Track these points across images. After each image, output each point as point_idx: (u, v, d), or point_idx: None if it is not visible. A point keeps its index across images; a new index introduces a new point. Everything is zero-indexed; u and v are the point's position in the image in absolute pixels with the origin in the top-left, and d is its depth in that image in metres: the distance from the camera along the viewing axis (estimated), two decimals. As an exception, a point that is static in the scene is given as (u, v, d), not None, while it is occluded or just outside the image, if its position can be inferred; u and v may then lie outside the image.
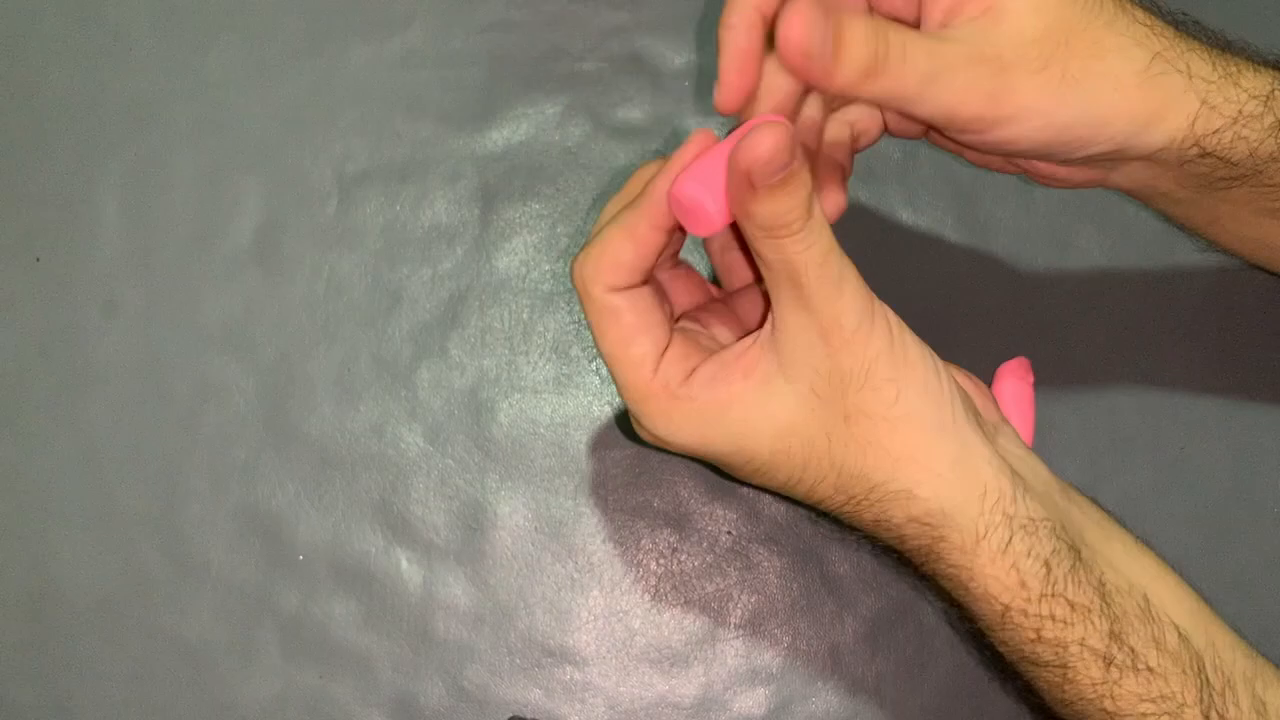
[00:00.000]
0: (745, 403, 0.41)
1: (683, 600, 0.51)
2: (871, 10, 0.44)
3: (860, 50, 0.39)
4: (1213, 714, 0.40)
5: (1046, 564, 0.40)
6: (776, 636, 0.51)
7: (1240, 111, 0.42)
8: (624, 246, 0.42)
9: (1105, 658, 0.40)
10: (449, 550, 0.52)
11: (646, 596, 0.51)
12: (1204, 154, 0.42)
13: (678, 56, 0.56)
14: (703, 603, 0.51)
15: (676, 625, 0.51)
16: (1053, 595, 0.40)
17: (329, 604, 0.51)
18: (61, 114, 0.55)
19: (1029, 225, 0.54)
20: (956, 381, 0.42)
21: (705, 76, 0.56)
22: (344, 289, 0.54)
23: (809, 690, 0.51)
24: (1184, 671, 0.41)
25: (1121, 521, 0.43)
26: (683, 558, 0.52)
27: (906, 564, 0.43)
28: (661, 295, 0.44)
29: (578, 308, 0.54)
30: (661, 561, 0.52)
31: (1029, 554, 0.40)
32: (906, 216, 0.54)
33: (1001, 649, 0.42)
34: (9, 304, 0.54)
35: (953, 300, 0.54)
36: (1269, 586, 0.52)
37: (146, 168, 0.55)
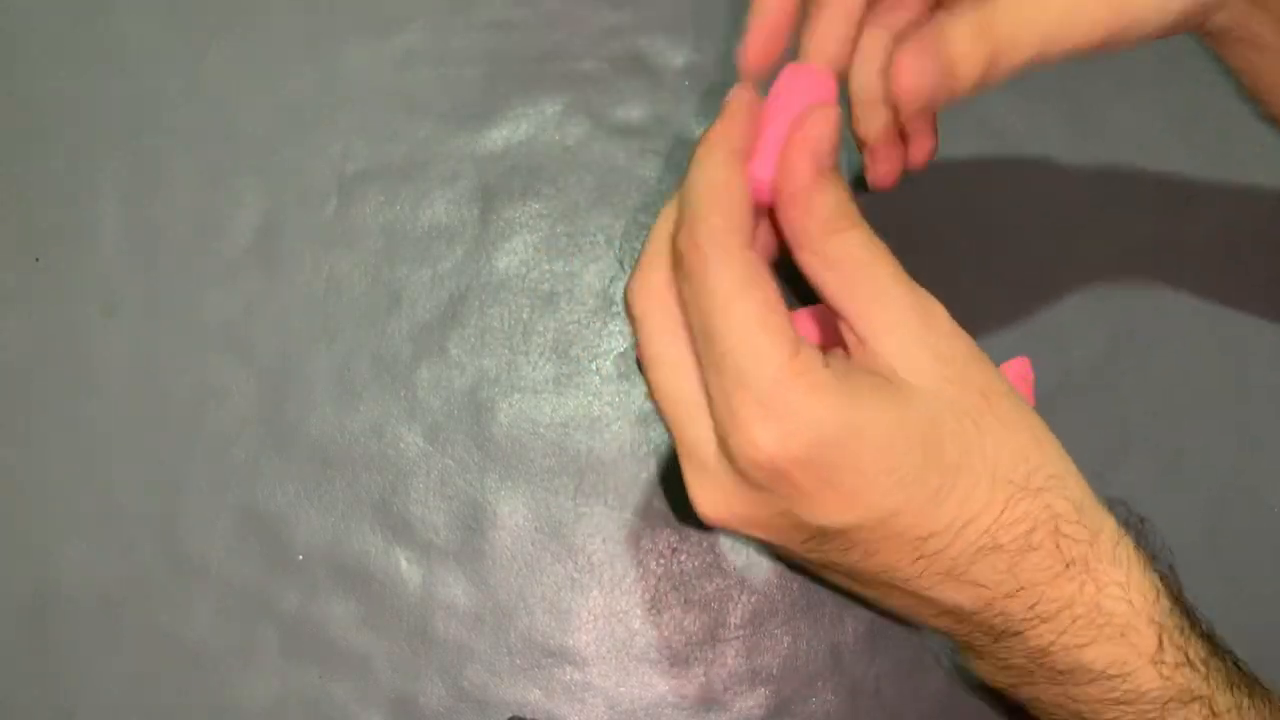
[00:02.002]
0: (884, 389, 0.35)
1: (683, 600, 0.51)
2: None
3: (976, 59, 0.38)
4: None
5: (1155, 570, 0.38)
6: (776, 636, 0.51)
7: None
8: (737, 194, 0.36)
9: (1229, 680, 0.38)
10: (449, 550, 0.52)
11: (646, 596, 0.51)
12: None
13: (678, 56, 0.56)
14: (703, 603, 0.51)
15: (676, 625, 0.51)
16: (1176, 607, 0.38)
17: (329, 604, 0.51)
18: (61, 114, 0.55)
19: (1029, 225, 0.54)
20: None
21: (705, 76, 0.56)
22: (344, 289, 0.54)
23: (809, 690, 0.51)
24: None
25: None
26: (683, 558, 0.52)
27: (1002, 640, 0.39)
28: None
29: (578, 307, 0.54)
30: (661, 561, 0.52)
31: (1146, 564, 0.38)
32: (907, 215, 0.54)
33: (1139, 707, 0.37)
34: (9, 304, 0.54)
35: (952, 300, 0.54)
36: (1269, 586, 0.52)
37: (146, 168, 0.55)
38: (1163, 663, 0.37)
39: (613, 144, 0.55)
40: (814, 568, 0.39)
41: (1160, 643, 0.36)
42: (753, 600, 0.51)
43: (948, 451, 0.35)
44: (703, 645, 0.51)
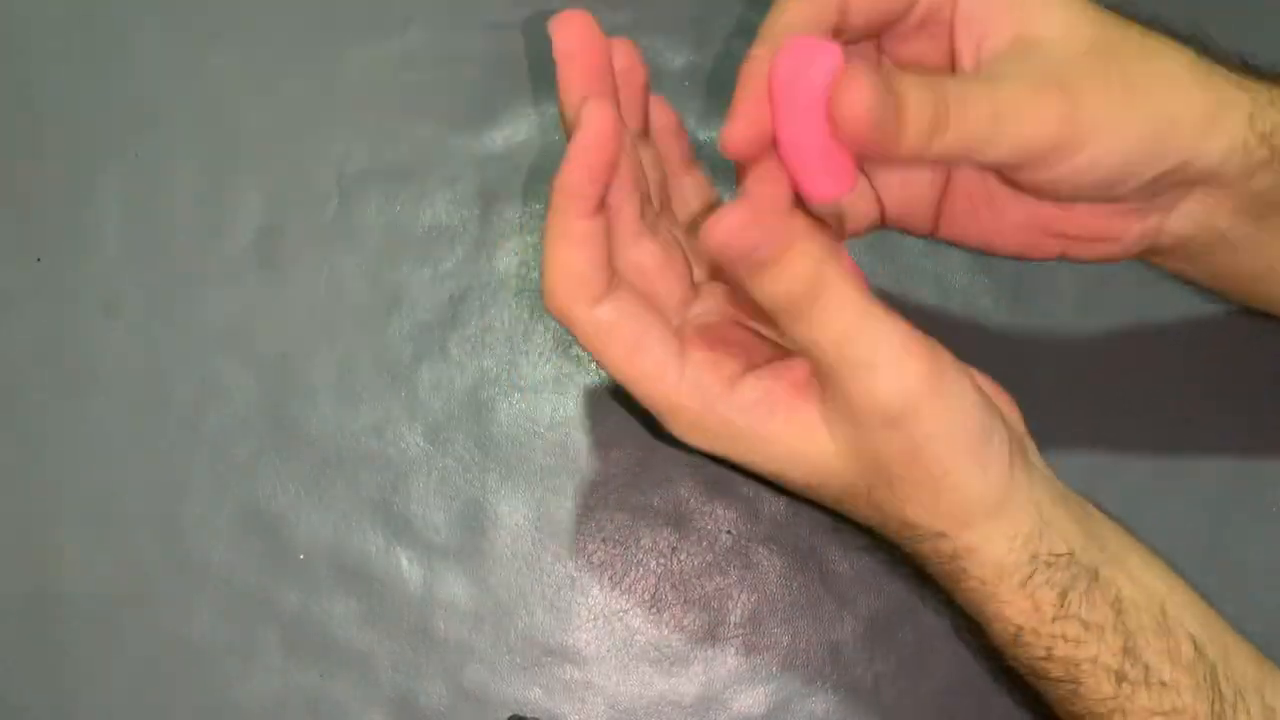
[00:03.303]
0: (786, 444, 0.40)
1: (683, 600, 0.51)
2: (885, 64, 0.43)
3: (923, 110, 0.37)
4: None
5: (1063, 591, 0.40)
6: (776, 636, 0.51)
7: None
8: (570, 254, 0.39)
9: (1118, 674, 0.40)
10: (449, 550, 0.52)
11: (646, 596, 0.51)
12: (1273, 155, 0.40)
13: (678, 57, 0.56)
14: (703, 602, 0.51)
15: (676, 625, 0.51)
16: (1066, 617, 0.40)
17: (329, 603, 0.51)
18: (61, 114, 0.55)
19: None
20: (1001, 417, 0.41)
21: (706, 77, 0.56)
22: (344, 289, 0.54)
23: (809, 690, 0.51)
24: (1197, 684, 0.40)
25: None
26: (683, 557, 0.52)
27: (920, 572, 0.44)
28: (648, 294, 0.42)
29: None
30: (661, 561, 0.52)
31: (1047, 583, 0.40)
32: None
33: (1012, 662, 0.42)
34: (9, 304, 0.54)
35: (950, 299, 0.54)
36: (1269, 586, 0.52)
37: (146, 168, 0.55)
38: (1020, 645, 0.41)
39: (613, 144, 0.55)
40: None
41: (1016, 637, 0.41)
42: (753, 600, 0.51)
43: (830, 489, 0.41)
44: (703, 645, 0.51)
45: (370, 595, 0.51)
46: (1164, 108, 0.40)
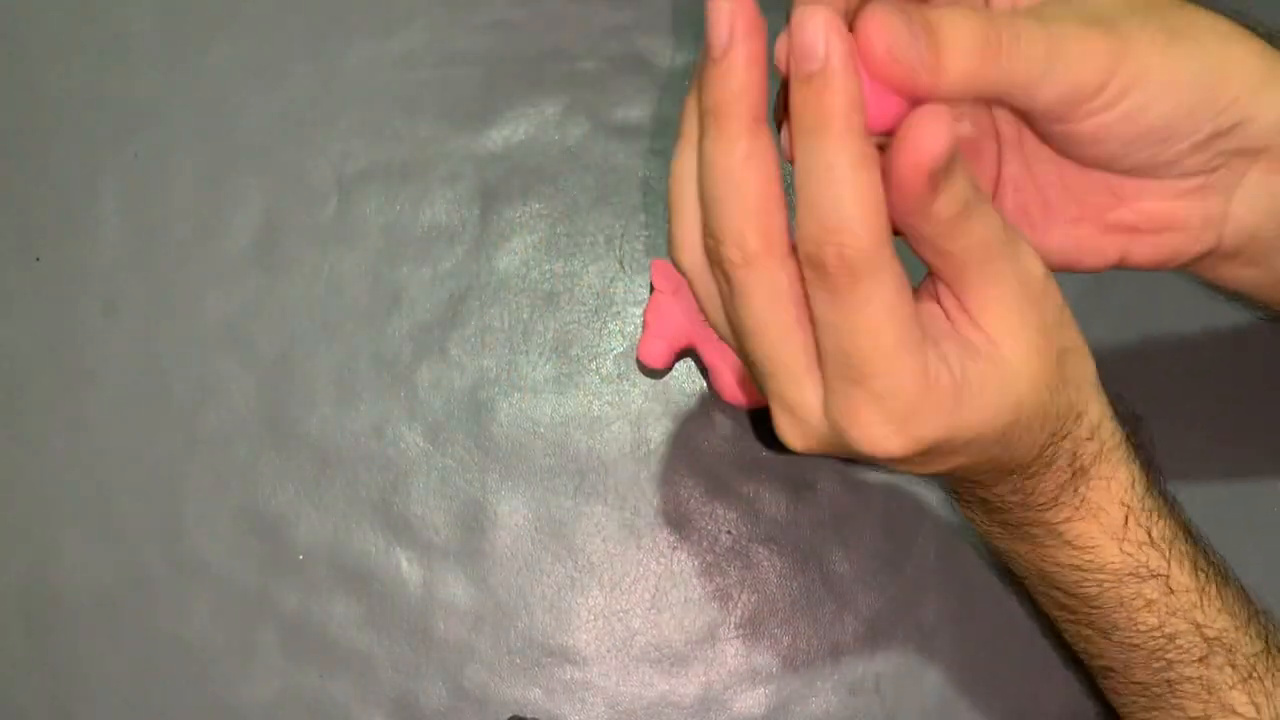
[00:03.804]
0: (998, 378, 0.37)
1: (683, 600, 0.51)
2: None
3: (968, 38, 0.35)
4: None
5: (1142, 465, 0.41)
6: (776, 636, 0.51)
7: None
8: (883, 209, 0.34)
9: (1194, 561, 0.42)
10: (449, 550, 0.52)
11: (646, 596, 0.51)
12: None
13: (678, 56, 0.56)
14: (703, 603, 0.51)
15: (676, 625, 0.51)
16: (1152, 491, 0.41)
17: (329, 604, 0.51)
18: (61, 114, 0.55)
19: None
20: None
21: (705, 76, 0.55)
22: (344, 288, 0.54)
23: (809, 690, 0.51)
24: (1238, 588, 0.43)
25: None
26: (683, 558, 0.52)
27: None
28: None
29: (578, 307, 0.54)
30: (661, 561, 0.52)
31: (1134, 451, 0.41)
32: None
33: (1100, 576, 0.41)
34: (9, 304, 0.54)
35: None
36: (1269, 586, 0.52)
37: (146, 168, 0.55)
38: (1126, 539, 0.41)
39: (613, 144, 0.55)
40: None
41: (1126, 522, 0.41)
42: (753, 600, 0.51)
43: (1025, 419, 0.38)
44: (703, 645, 0.51)
45: (370, 596, 0.51)
46: (1215, 58, 0.38)
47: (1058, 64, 0.37)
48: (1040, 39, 0.36)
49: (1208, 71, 0.38)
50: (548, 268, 0.54)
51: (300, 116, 0.55)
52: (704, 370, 0.52)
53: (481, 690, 0.51)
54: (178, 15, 0.56)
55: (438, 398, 0.53)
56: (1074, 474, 0.40)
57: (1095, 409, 0.40)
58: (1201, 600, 0.41)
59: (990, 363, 0.37)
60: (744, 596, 0.51)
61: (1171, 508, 0.42)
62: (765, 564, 0.51)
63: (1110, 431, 0.41)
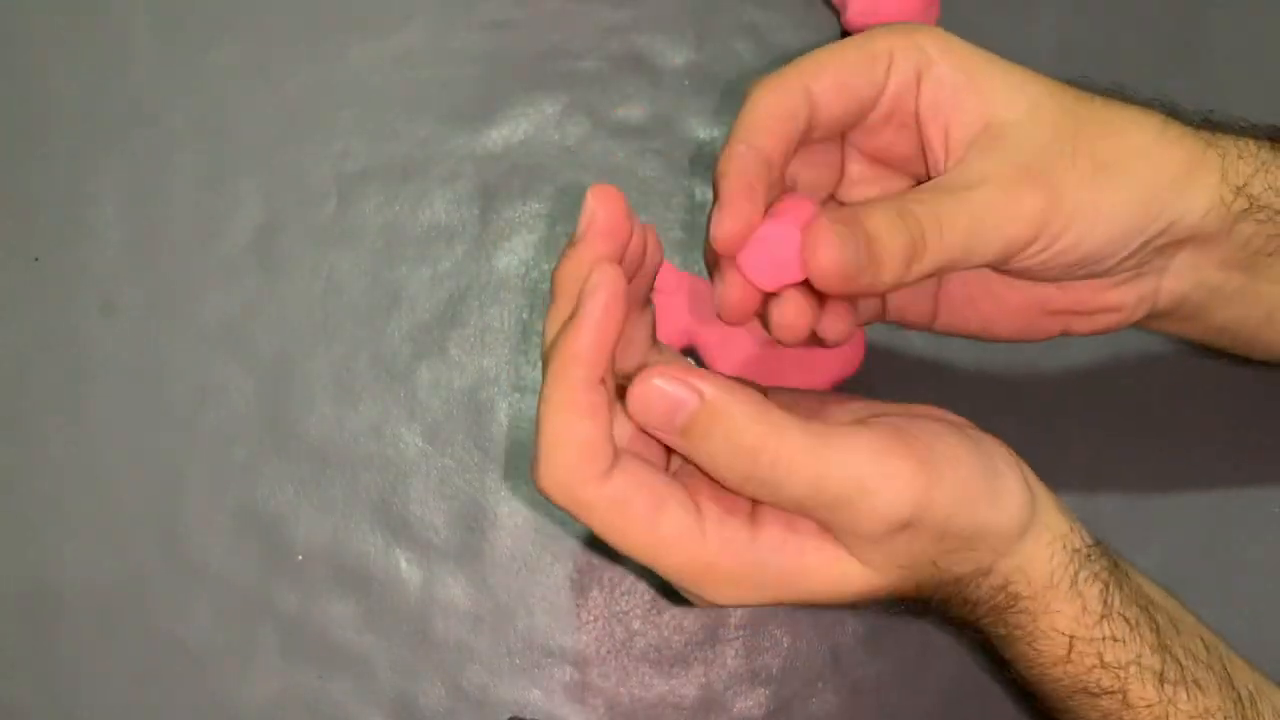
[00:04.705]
0: (824, 574, 0.38)
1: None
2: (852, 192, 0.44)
3: (894, 242, 0.37)
4: None
5: (1105, 585, 0.40)
6: (776, 637, 0.51)
7: (1260, 161, 0.41)
8: (578, 425, 0.36)
9: (1159, 675, 0.40)
10: (448, 550, 0.52)
11: (646, 596, 0.51)
12: (1251, 204, 0.41)
13: (678, 55, 0.56)
14: (703, 603, 0.51)
15: (676, 625, 0.51)
16: (1110, 615, 0.40)
17: (328, 604, 0.51)
18: (61, 114, 0.55)
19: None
20: (984, 442, 0.40)
21: (705, 76, 0.55)
22: (343, 288, 0.54)
23: (810, 691, 0.51)
24: (1219, 682, 0.40)
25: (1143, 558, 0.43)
26: (683, 558, 0.52)
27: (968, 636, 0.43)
28: (642, 453, 0.39)
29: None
30: (661, 562, 0.52)
31: (1091, 578, 0.40)
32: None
33: (1056, 686, 0.41)
34: (8, 304, 0.54)
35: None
36: (1269, 586, 0.52)
37: (146, 167, 0.55)
38: (1069, 663, 0.40)
39: (613, 144, 0.55)
40: None
41: (1069, 651, 0.40)
42: (753, 600, 0.51)
43: (883, 597, 0.40)
44: (703, 645, 0.51)
45: (369, 596, 0.51)
46: (1138, 180, 0.40)
47: (985, 234, 0.38)
48: (962, 219, 0.38)
49: (1134, 196, 0.40)
50: (548, 268, 0.54)
51: (299, 116, 0.55)
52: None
53: (481, 691, 0.51)
54: (177, 15, 0.56)
55: (437, 398, 0.53)
56: (985, 613, 0.41)
57: (1006, 564, 0.39)
58: (1168, 712, 0.40)
59: (825, 567, 0.38)
60: (744, 597, 0.51)
61: (1134, 625, 0.40)
62: (765, 564, 0.51)
63: (1038, 574, 0.39)
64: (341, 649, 0.51)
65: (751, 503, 0.38)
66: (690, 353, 0.52)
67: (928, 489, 0.37)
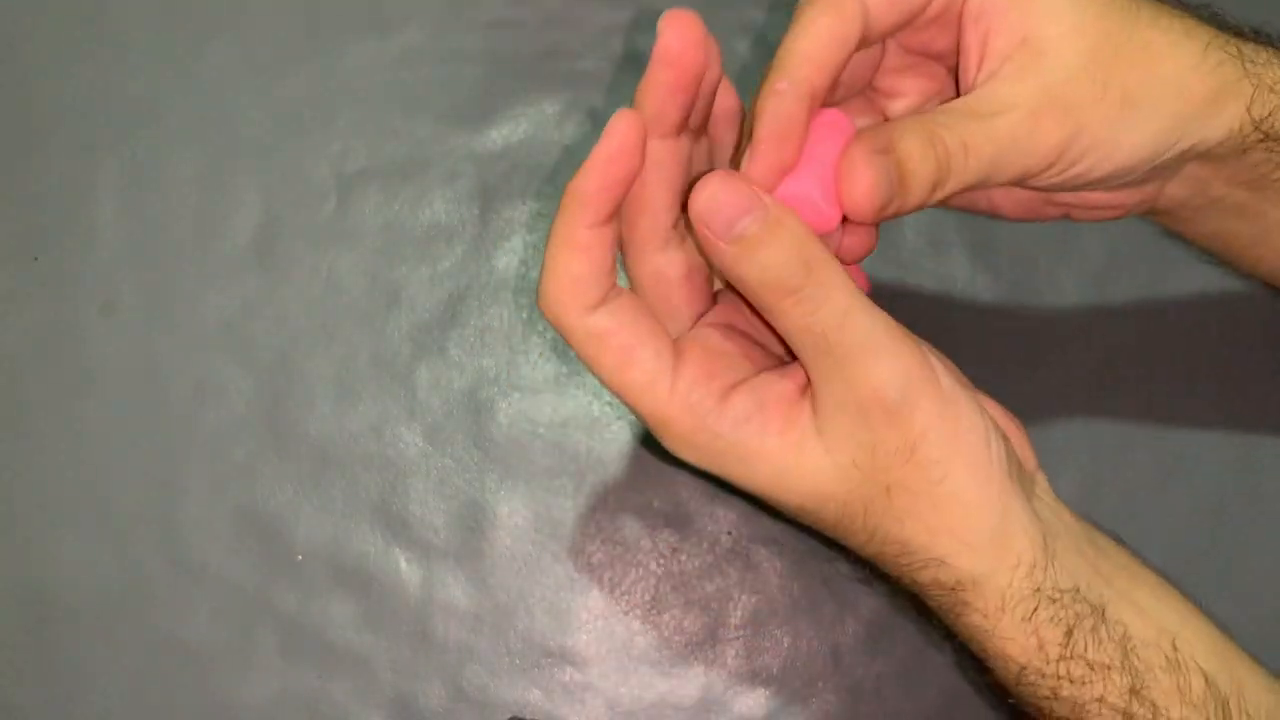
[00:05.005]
0: (779, 461, 0.39)
1: (683, 600, 0.51)
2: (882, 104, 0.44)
3: (923, 169, 0.38)
4: None
5: (1069, 630, 0.39)
6: (776, 637, 0.51)
7: None
8: (571, 259, 0.38)
9: (1125, 714, 0.39)
10: (448, 550, 0.52)
11: (646, 597, 0.51)
12: (1264, 139, 0.41)
13: (677, 55, 0.56)
14: (703, 603, 0.51)
15: (676, 625, 0.51)
16: (1071, 658, 0.39)
17: (328, 604, 0.51)
18: (60, 114, 0.55)
19: (1029, 225, 0.54)
20: (1002, 435, 0.40)
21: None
22: (343, 288, 0.54)
23: (810, 692, 0.51)
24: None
25: (1145, 560, 0.43)
26: (683, 558, 0.52)
27: (921, 607, 0.43)
28: (646, 304, 0.41)
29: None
30: (661, 561, 0.52)
31: (1051, 620, 0.39)
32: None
33: (1015, 700, 0.41)
34: (7, 303, 0.54)
35: (950, 298, 0.54)
36: (1269, 586, 0.52)
37: (145, 167, 0.55)
38: (1022, 685, 0.40)
39: (612, 143, 0.55)
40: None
41: (1018, 679, 0.40)
42: (753, 600, 0.51)
43: (827, 514, 0.40)
44: (703, 645, 0.51)
45: (369, 597, 0.51)
46: (1164, 112, 0.40)
47: (1006, 159, 0.39)
48: (987, 146, 0.39)
49: (1158, 130, 0.40)
50: (547, 267, 0.54)
51: (299, 116, 0.55)
52: None
53: (481, 691, 0.51)
54: (176, 15, 0.56)
55: (437, 398, 0.53)
56: (936, 607, 0.41)
57: (965, 564, 0.39)
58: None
59: (780, 453, 0.39)
60: (744, 597, 0.51)
61: (1104, 669, 0.39)
62: (766, 565, 0.51)
63: (993, 594, 0.39)
64: (341, 649, 0.51)
65: (734, 382, 0.40)
66: None
67: (924, 384, 0.38)
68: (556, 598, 0.51)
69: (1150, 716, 0.39)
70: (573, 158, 0.55)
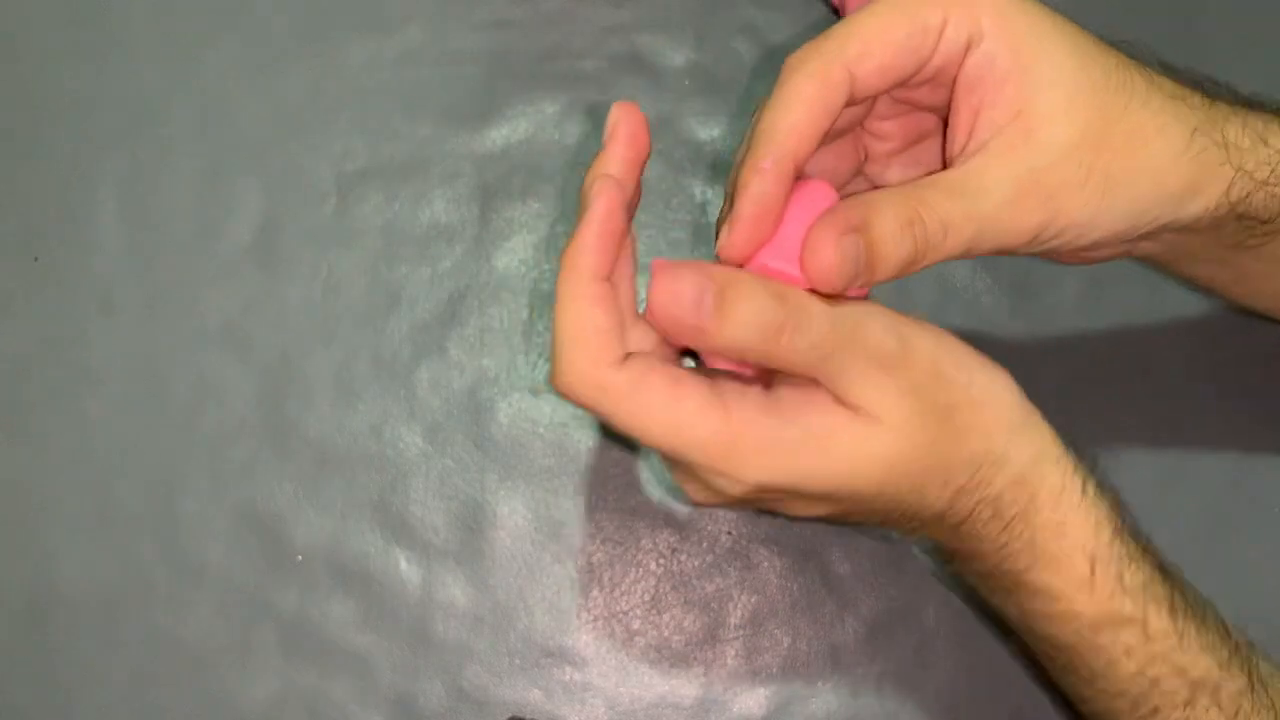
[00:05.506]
0: (854, 431, 0.38)
1: (683, 600, 0.51)
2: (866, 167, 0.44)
3: (898, 252, 0.38)
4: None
5: (1112, 501, 0.41)
6: (776, 636, 0.51)
7: (1272, 172, 0.41)
8: (591, 312, 0.37)
9: (1169, 603, 0.41)
10: (448, 550, 0.52)
11: (646, 598, 0.51)
12: (1238, 217, 0.41)
13: (678, 55, 0.56)
14: (703, 603, 0.51)
15: (676, 625, 0.51)
16: (1123, 534, 0.40)
17: (328, 604, 0.51)
18: (61, 114, 0.55)
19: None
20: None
21: (705, 76, 0.55)
22: (343, 288, 0.54)
23: (809, 690, 0.51)
24: (1215, 624, 0.42)
25: None
26: (683, 558, 0.52)
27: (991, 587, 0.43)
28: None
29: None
30: (661, 561, 0.52)
31: (1100, 492, 0.40)
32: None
33: (1079, 626, 0.41)
34: (8, 303, 0.54)
35: (950, 299, 0.54)
36: (1269, 586, 0.52)
37: (145, 167, 0.55)
38: (1094, 588, 0.40)
39: (612, 143, 0.55)
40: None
41: (1092, 571, 0.40)
42: (753, 600, 0.51)
43: (906, 474, 0.39)
44: (703, 645, 0.51)
45: (369, 596, 0.51)
46: (1144, 197, 0.40)
47: (984, 239, 0.39)
48: (968, 227, 0.39)
49: (1135, 212, 0.41)
50: (548, 267, 0.54)
51: (299, 116, 0.55)
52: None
53: (481, 691, 0.51)
54: (177, 15, 0.56)
55: (437, 398, 0.53)
56: (1009, 522, 0.40)
57: (1020, 453, 0.40)
58: (1181, 643, 0.41)
59: (847, 425, 0.38)
60: (744, 597, 0.51)
61: (1145, 550, 0.41)
62: (765, 565, 0.51)
63: (1051, 475, 0.40)
64: (341, 649, 0.51)
65: (765, 385, 0.39)
66: (691, 352, 0.52)
67: (909, 328, 0.39)
68: (556, 598, 0.51)
69: (1185, 605, 0.41)
70: (574, 158, 0.55)
